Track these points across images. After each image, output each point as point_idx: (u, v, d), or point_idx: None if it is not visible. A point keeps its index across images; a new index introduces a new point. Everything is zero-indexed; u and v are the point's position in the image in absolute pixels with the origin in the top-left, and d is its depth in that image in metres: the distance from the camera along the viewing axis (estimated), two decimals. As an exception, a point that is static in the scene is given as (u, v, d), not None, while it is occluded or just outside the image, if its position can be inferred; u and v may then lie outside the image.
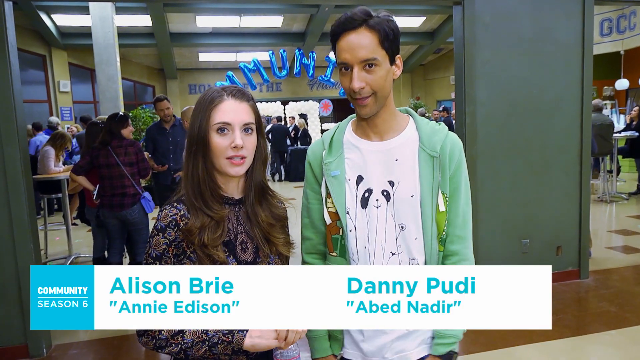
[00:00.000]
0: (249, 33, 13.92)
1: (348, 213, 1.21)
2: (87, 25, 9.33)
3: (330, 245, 1.26)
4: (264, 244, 1.17)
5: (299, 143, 12.63)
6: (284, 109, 14.22)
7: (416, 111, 10.30)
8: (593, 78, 4.02)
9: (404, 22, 14.02)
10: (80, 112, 11.80)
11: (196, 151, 1.11)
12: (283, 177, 12.18)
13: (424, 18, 13.84)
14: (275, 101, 14.76)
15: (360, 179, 1.21)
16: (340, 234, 1.23)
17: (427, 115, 12.96)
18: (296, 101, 14.47)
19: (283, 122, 13.39)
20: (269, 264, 1.17)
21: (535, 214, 3.96)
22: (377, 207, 1.20)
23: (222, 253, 1.10)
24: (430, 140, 1.21)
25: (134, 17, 11.42)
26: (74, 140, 7.25)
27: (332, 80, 11.27)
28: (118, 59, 9.10)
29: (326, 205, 1.24)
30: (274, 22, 13.29)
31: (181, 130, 4.64)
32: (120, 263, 3.90)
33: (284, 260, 1.25)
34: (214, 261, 1.09)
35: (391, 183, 1.20)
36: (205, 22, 12.74)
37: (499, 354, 2.94)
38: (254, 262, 1.15)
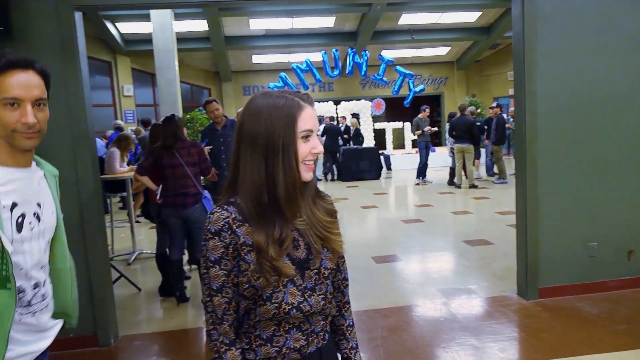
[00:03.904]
0: (301, 34, 14.07)
1: None
2: (149, 32, 9.78)
3: None
4: (316, 240, 1.17)
5: (351, 143, 12.62)
6: (336, 109, 14.24)
7: (465, 110, 9.91)
8: (668, 70, 3.76)
9: (458, 17, 13.68)
10: (142, 114, 12.36)
11: (285, 158, 1.09)
12: (336, 177, 12.21)
13: (480, 13, 13.43)
14: (327, 101, 14.82)
15: (14, 205, 1.26)
16: None
17: (478, 112, 12.52)
18: (348, 101, 14.45)
19: (335, 122, 13.43)
20: (321, 260, 1.17)
21: (603, 215, 3.75)
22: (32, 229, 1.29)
23: (288, 265, 1.11)
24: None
25: (191, 22, 11.84)
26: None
27: (384, 79, 11.17)
28: (177, 63, 9.46)
29: None
30: (326, 22, 13.35)
31: (233, 130, 4.77)
32: (181, 260, 4.06)
33: (336, 257, 1.22)
34: (278, 272, 1.09)
35: (39, 205, 1.32)
36: (258, 24, 13.00)
37: (564, 362, 2.80)
38: (306, 260, 1.15)
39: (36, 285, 1.30)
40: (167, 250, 4.15)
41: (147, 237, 6.60)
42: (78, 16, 3.24)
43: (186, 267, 4.88)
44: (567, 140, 3.67)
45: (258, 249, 1.08)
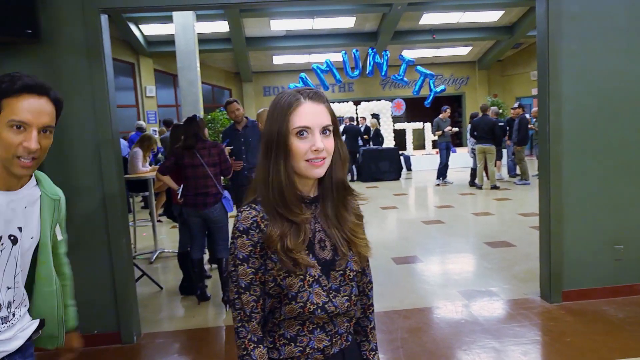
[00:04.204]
0: (321, 35, 14.08)
1: None
2: (171, 34, 9.90)
3: None
4: (343, 243, 1.16)
5: (371, 143, 12.57)
6: (356, 109, 14.21)
7: (487, 110, 9.74)
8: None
9: (480, 16, 13.50)
10: (164, 115, 12.54)
11: (276, 156, 1.10)
12: (355, 177, 12.19)
13: (502, 12, 13.24)
14: (347, 101, 14.79)
15: None
16: None
17: (500, 112, 12.32)
18: (368, 101, 14.40)
19: (355, 123, 13.40)
20: (347, 262, 1.16)
21: (630, 217, 3.66)
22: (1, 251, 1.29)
23: (306, 257, 1.10)
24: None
25: (212, 23, 11.96)
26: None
27: (405, 79, 11.09)
28: (198, 64, 9.56)
29: None
30: (347, 22, 13.34)
31: (253, 130, 4.81)
32: (201, 259, 4.10)
33: (363, 260, 1.23)
34: (296, 263, 1.09)
35: (20, 229, 1.32)
36: (279, 25, 13.06)
37: (588, 367, 2.74)
38: (332, 261, 1.14)
39: None
40: (189, 249, 4.20)
41: (168, 236, 6.70)
42: (104, 19, 3.30)
43: (207, 266, 4.93)
44: (593, 141, 3.59)
45: (274, 242, 1.08)
